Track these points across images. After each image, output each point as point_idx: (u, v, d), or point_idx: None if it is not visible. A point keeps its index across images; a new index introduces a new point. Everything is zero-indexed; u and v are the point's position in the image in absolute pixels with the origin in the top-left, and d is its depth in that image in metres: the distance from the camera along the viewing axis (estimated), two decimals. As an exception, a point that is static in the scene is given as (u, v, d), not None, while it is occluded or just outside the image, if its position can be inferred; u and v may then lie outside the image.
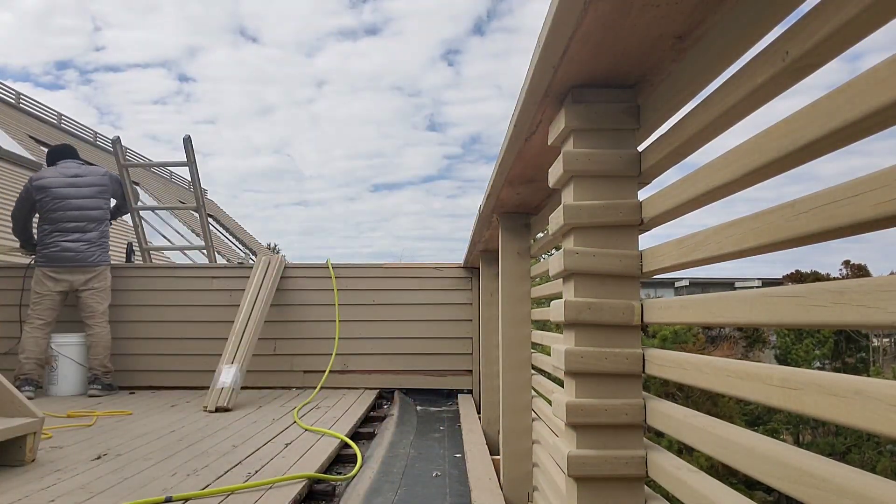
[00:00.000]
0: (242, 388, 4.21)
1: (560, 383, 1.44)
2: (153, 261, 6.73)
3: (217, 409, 3.91)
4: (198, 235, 13.21)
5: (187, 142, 5.83)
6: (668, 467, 1.10)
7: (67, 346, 4.65)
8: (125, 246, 6.33)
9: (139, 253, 6.24)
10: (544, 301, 3.04)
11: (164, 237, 11.70)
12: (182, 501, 2.08)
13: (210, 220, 9.88)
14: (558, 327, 1.53)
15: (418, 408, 4.56)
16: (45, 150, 12.32)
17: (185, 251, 11.49)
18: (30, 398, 4.05)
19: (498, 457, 2.78)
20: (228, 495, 2.15)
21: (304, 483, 2.31)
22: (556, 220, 1.29)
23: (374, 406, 4.49)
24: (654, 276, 1.23)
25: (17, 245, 5.04)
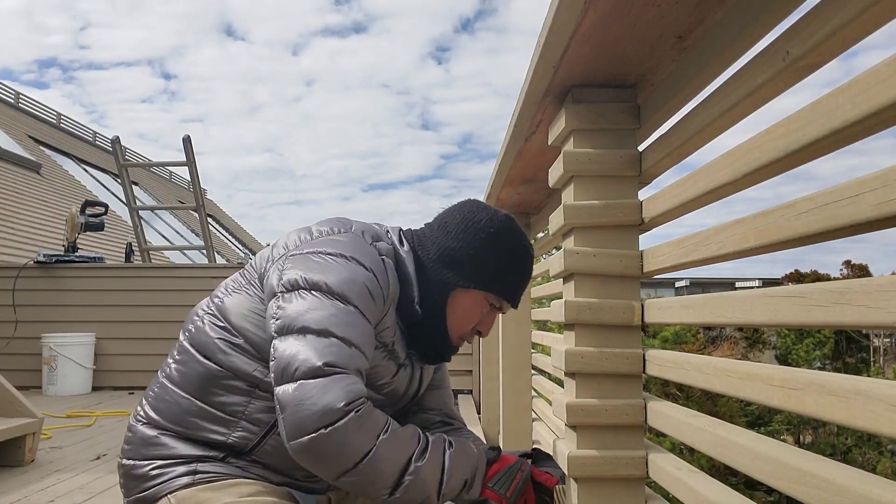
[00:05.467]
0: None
1: (560, 384, 1.44)
2: (152, 261, 6.72)
3: (217, 410, 3.90)
4: (197, 235, 13.21)
5: (187, 142, 5.83)
6: (668, 468, 1.10)
7: (67, 346, 4.65)
8: (125, 246, 6.32)
9: (138, 253, 6.24)
10: (544, 301, 3.04)
11: (164, 237, 11.70)
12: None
13: (209, 219, 9.88)
14: (558, 327, 1.54)
15: (418, 408, 4.56)
16: (45, 149, 12.35)
17: (185, 251, 11.49)
18: None
19: (498, 457, 2.78)
20: (228, 495, 2.14)
21: (303, 483, 2.31)
22: (556, 220, 1.29)
23: (374, 406, 4.48)
24: (655, 276, 1.23)
25: None
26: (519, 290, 1.24)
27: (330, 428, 0.92)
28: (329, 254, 1.07)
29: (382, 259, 1.13)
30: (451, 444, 1.12)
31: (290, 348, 0.98)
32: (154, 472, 1.08)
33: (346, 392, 0.94)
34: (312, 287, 1.03)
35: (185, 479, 1.07)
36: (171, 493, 1.06)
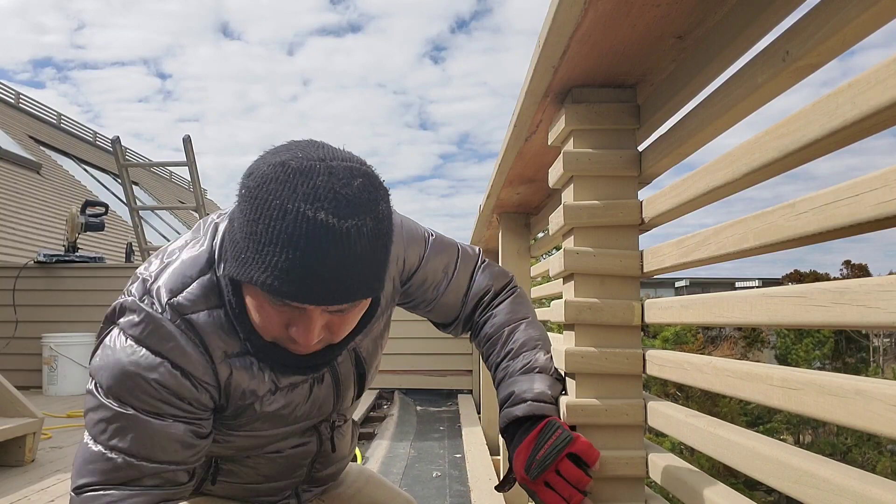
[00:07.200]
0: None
1: (560, 383, 1.44)
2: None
3: (217, 410, 3.90)
4: (198, 235, 13.18)
5: (187, 142, 5.83)
6: (668, 468, 1.10)
7: (67, 346, 4.65)
8: (125, 246, 6.33)
9: (138, 253, 6.24)
10: (544, 301, 3.04)
11: (164, 237, 11.70)
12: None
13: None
14: (558, 327, 1.54)
15: (418, 408, 4.56)
16: (45, 149, 12.37)
17: (185, 251, 11.47)
18: None
19: (498, 457, 2.78)
20: (228, 495, 2.14)
21: (303, 483, 2.30)
22: (556, 220, 1.29)
23: (374, 406, 4.49)
24: (655, 276, 1.23)
25: None
26: (265, 269, 0.74)
27: None
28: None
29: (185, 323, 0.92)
30: None
31: None
32: None
33: None
34: None
35: None
36: None
